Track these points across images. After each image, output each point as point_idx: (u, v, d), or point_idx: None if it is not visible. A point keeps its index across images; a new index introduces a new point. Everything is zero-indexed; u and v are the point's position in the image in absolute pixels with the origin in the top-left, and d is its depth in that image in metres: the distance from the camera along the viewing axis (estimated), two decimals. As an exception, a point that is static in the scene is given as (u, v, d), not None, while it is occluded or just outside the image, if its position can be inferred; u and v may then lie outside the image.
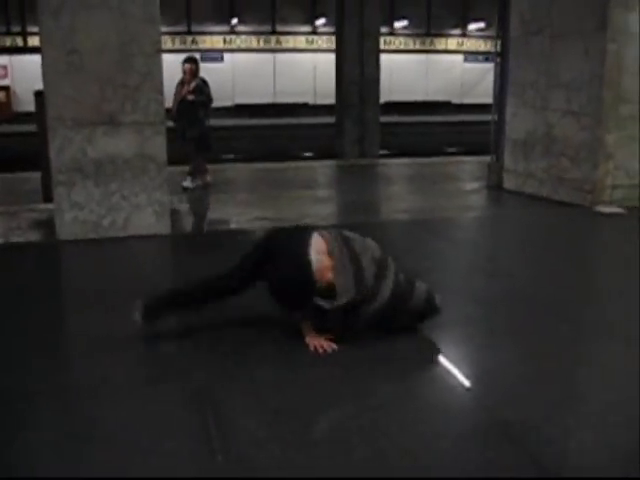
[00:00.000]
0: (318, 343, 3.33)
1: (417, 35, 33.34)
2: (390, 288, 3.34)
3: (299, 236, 3.43)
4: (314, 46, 31.95)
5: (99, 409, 2.83)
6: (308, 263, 3.26)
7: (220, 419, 2.70)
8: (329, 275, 3.27)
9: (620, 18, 6.80)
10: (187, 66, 8.66)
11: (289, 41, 31.98)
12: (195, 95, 8.57)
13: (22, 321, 3.88)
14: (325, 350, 3.29)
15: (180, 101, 8.61)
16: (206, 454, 2.47)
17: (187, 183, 8.59)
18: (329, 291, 3.27)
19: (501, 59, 8.71)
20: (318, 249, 3.30)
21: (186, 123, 8.59)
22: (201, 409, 2.80)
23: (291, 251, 3.37)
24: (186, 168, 8.78)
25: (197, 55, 12.78)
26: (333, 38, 16.53)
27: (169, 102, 7.70)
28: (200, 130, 8.67)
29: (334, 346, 3.32)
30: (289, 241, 3.46)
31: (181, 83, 8.71)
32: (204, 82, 8.71)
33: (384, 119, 16.60)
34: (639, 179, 7.13)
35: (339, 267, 3.27)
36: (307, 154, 18.38)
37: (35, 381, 3.08)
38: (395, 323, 3.46)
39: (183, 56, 9.36)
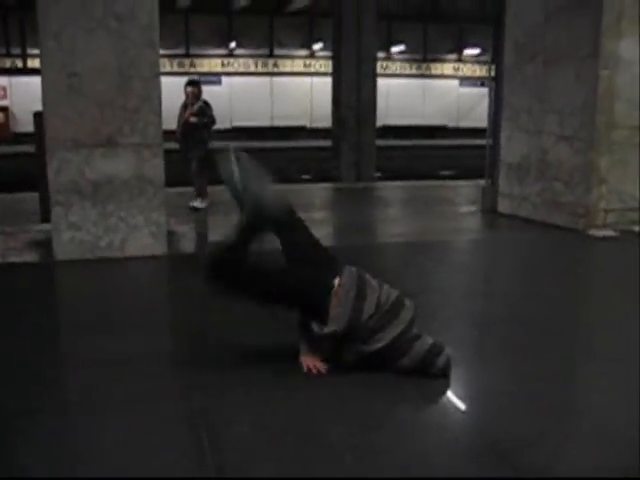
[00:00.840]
0: (312, 364, 3.34)
1: (414, 60, 33.65)
2: (390, 338, 3.23)
3: (333, 263, 3.45)
4: (311, 70, 32.22)
5: (94, 426, 2.85)
6: (332, 287, 3.30)
7: (214, 437, 2.72)
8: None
9: (612, 45, 6.90)
10: (190, 89, 8.81)
11: (286, 65, 32.25)
12: (198, 117, 8.70)
13: (18, 340, 3.90)
14: (319, 371, 3.30)
15: (183, 123, 8.74)
16: (199, 470, 2.49)
17: (197, 203, 8.71)
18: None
19: (496, 84, 8.82)
20: (339, 280, 3.34)
21: (190, 144, 8.73)
22: (195, 427, 2.82)
23: (322, 272, 3.40)
24: (184, 189, 8.88)
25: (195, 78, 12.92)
26: (330, 62, 16.68)
27: (170, 124, 7.80)
28: (205, 151, 8.80)
29: (326, 368, 3.31)
30: (322, 262, 3.47)
31: (184, 106, 8.84)
32: (207, 104, 8.84)
33: (380, 143, 16.72)
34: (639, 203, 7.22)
35: (341, 298, 3.27)
36: (304, 177, 18.46)
37: (31, 398, 3.10)
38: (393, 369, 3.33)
39: (182, 79, 9.51)
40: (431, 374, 3.26)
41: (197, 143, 8.74)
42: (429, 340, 3.29)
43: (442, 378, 3.26)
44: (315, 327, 3.29)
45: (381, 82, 16.90)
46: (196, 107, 8.73)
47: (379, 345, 3.23)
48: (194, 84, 8.96)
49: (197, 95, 8.81)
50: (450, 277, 5.60)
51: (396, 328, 3.25)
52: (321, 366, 3.32)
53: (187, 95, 8.80)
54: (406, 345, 3.25)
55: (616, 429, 2.82)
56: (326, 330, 3.25)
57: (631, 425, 2.83)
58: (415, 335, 3.30)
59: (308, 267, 3.40)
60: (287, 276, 3.41)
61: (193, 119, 8.68)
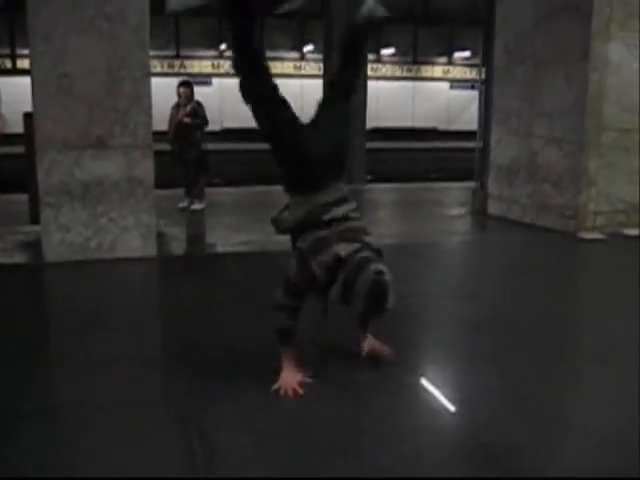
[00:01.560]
0: (290, 384, 3.13)
1: (404, 62, 33.69)
2: (346, 252, 2.99)
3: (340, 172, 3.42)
4: (302, 72, 32.21)
5: (84, 429, 2.84)
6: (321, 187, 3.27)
7: (205, 440, 2.72)
8: None
9: (602, 48, 6.94)
10: (182, 90, 8.78)
11: (277, 67, 32.17)
12: (191, 118, 8.68)
13: (7, 342, 3.88)
14: (296, 393, 3.10)
15: (176, 124, 8.71)
16: (191, 474, 2.48)
17: (196, 206, 8.70)
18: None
19: (486, 87, 8.85)
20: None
21: (183, 146, 8.71)
22: (186, 430, 2.82)
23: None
24: (176, 191, 8.88)
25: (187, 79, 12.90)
26: (321, 65, 16.68)
27: (160, 125, 7.78)
28: (198, 152, 8.78)
29: (300, 392, 3.10)
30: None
31: (176, 106, 8.81)
32: (199, 105, 8.82)
33: (370, 145, 16.72)
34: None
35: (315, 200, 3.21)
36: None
37: (21, 401, 3.08)
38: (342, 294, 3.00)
39: (172, 80, 9.48)
40: (358, 288, 2.90)
41: (191, 144, 8.72)
42: (370, 254, 3.05)
43: (368, 299, 2.90)
44: (273, 220, 3.39)
45: (371, 84, 16.91)
46: (189, 108, 8.71)
47: (332, 255, 3.01)
48: (187, 85, 8.93)
49: (190, 96, 8.78)
50: (439, 279, 5.62)
51: (351, 246, 3.04)
52: (298, 388, 3.13)
53: (180, 95, 8.77)
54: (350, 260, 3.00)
55: (608, 430, 2.84)
56: (282, 214, 3.31)
57: (622, 426, 2.84)
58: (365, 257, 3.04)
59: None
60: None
61: (186, 120, 8.66)
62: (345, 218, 3.17)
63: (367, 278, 2.88)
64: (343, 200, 3.24)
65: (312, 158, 3.28)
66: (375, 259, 3.01)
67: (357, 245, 3.05)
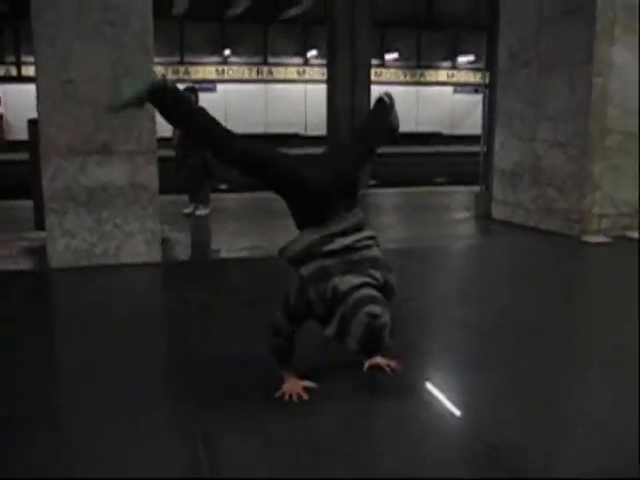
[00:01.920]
0: (294, 390, 3.13)
1: (407, 67, 33.75)
2: (347, 286, 2.87)
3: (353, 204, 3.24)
4: (305, 77, 32.28)
5: (87, 436, 2.84)
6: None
7: (209, 445, 2.71)
8: None
9: (606, 51, 6.94)
10: None
11: (281, 72, 32.31)
12: None
13: (12, 348, 3.89)
14: (299, 396, 3.10)
15: (181, 130, 8.69)
16: (194, 475, 2.49)
17: (200, 211, 8.70)
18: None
19: (489, 91, 8.85)
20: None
21: (188, 151, 8.72)
22: (190, 433, 2.82)
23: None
24: (181, 196, 8.90)
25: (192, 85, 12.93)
26: (324, 70, 16.73)
27: (165, 131, 7.79)
28: (202, 158, 8.79)
29: (305, 396, 3.10)
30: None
31: None
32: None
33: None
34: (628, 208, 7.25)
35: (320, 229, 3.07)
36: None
37: (24, 407, 3.09)
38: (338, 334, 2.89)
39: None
40: (352, 331, 2.79)
41: (196, 150, 8.72)
42: (371, 292, 2.90)
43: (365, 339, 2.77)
44: (279, 251, 3.19)
45: (375, 89, 16.94)
46: None
47: (334, 287, 2.87)
48: (191, 91, 8.96)
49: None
50: (444, 283, 5.61)
51: (354, 280, 2.89)
52: (302, 392, 3.13)
53: None
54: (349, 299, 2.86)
55: (612, 433, 2.83)
56: (294, 239, 3.13)
57: (628, 428, 2.83)
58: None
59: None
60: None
61: None
62: (352, 248, 3.03)
63: (360, 322, 2.76)
64: (354, 229, 3.10)
65: (312, 185, 3.13)
66: (376, 298, 2.86)
67: (362, 279, 2.91)
